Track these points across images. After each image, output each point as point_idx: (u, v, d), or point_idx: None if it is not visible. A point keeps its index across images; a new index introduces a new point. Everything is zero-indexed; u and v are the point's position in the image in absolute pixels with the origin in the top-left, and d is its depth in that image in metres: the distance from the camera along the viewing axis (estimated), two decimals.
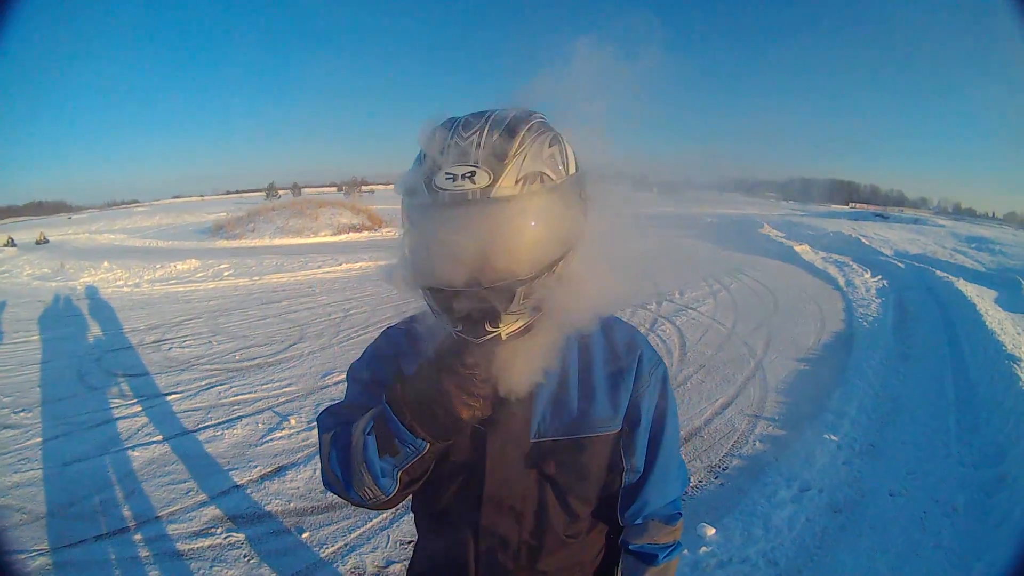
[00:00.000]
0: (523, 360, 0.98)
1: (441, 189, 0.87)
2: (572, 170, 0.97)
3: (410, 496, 1.14)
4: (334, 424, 1.11)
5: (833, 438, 4.51)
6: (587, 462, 1.12)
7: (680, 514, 1.24)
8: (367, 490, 1.01)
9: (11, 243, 20.50)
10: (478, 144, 0.89)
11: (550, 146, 0.94)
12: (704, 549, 3.22)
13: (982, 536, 3.39)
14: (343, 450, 1.02)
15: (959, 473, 4.13)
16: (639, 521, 1.19)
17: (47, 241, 22.05)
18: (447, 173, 0.87)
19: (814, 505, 3.66)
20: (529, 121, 0.94)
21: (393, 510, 3.49)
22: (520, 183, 0.88)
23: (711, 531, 3.33)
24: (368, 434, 0.98)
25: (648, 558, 1.18)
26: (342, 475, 1.03)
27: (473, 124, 0.91)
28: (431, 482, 1.07)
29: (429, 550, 1.24)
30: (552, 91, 1.03)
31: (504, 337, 0.95)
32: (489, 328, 0.94)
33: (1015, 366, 5.69)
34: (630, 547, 1.20)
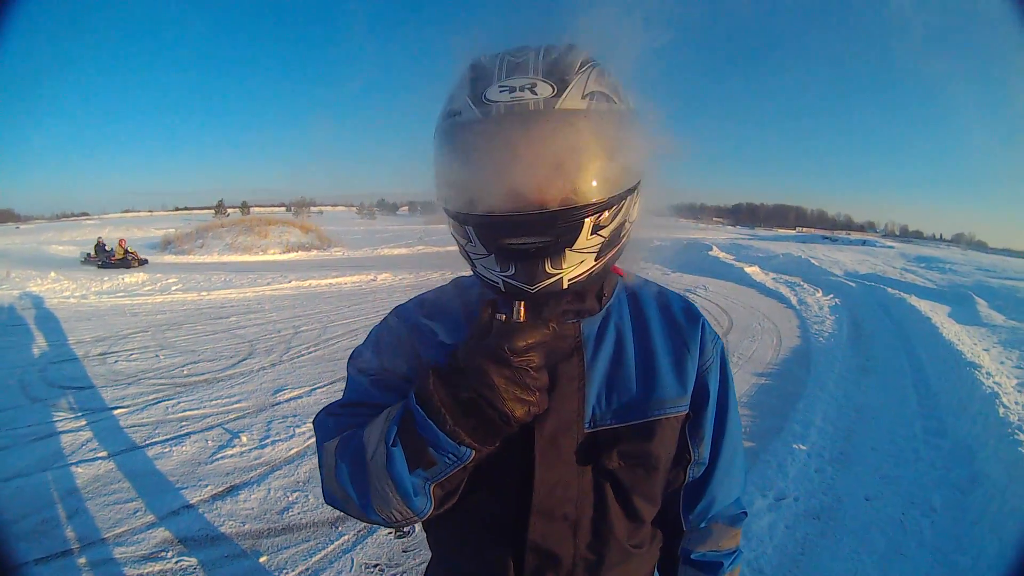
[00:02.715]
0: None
1: (495, 102, 0.74)
2: (633, 106, 0.83)
3: None
4: (338, 429, 0.91)
5: (802, 448, 4.49)
6: (655, 451, 0.92)
7: (746, 513, 1.08)
8: (394, 511, 0.81)
9: None
10: (536, 59, 0.76)
11: (611, 76, 0.81)
12: None
13: (963, 533, 3.45)
14: (356, 464, 0.82)
15: (932, 475, 4.19)
16: (703, 524, 1.04)
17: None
18: (502, 86, 0.74)
19: (792, 512, 3.61)
20: (587, 51, 0.80)
21: (355, 532, 3.33)
22: (588, 99, 0.75)
23: None
24: (392, 445, 0.78)
25: (713, 568, 1.02)
26: (357, 494, 0.82)
27: (526, 47, 0.79)
28: (472, 478, 0.86)
29: (450, 575, 1.03)
30: None
31: (566, 284, 0.80)
32: (550, 269, 0.78)
33: (976, 372, 5.86)
34: (692, 556, 1.04)
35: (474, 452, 0.76)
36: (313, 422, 0.99)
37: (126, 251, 19.01)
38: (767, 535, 3.35)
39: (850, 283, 15.54)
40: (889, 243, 48.63)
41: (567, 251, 0.77)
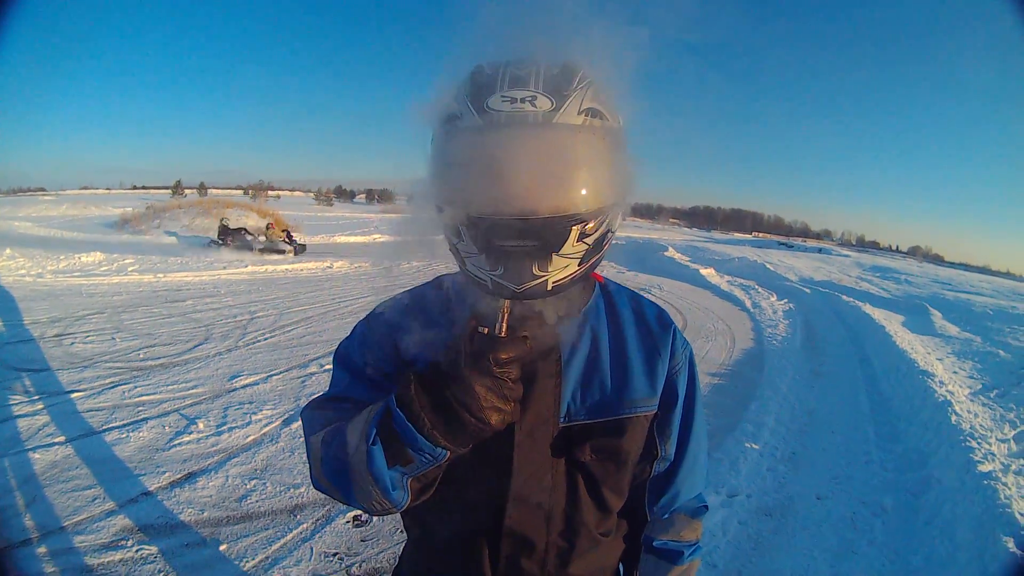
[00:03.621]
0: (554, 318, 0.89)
1: (497, 110, 0.78)
2: (622, 123, 0.89)
3: None
4: (323, 422, 0.95)
5: (755, 447, 4.62)
6: (625, 447, 0.99)
7: (706, 507, 1.16)
8: (374, 503, 0.86)
9: None
10: (537, 73, 0.80)
11: (604, 92, 0.85)
12: None
13: (914, 533, 3.58)
14: (338, 459, 0.87)
15: (883, 477, 4.35)
16: (666, 515, 1.11)
17: None
18: (503, 96, 0.78)
19: (744, 509, 3.72)
20: (583, 68, 0.85)
21: (313, 520, 3.36)
22: (583, 115, 0.80)
23: None
24: (372, 443, 0.82)
25: (673, 556, 1.09)
26: (339, 486, 0.89)
27: (527, 60, 0.83)
28: (450, 472, 0.92)
29: (427, 559, 1.08)
30: None
31: (550, 286, 0.84)
32: (536, 272, 0.83)
33: (929, 380, 6.10)
34: (654, 544, 1.11)
35: (449, 452, 0.81)
36: (300, 414, 1.03)
37: (288, 234, 17.37)
38: (720, 530, 3.45)
39: (805, 289, 15.91)
40: (845, 251, 49.71)
41: (554, 255, 0.82)
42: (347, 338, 1.06)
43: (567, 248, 0.82)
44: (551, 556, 1.00)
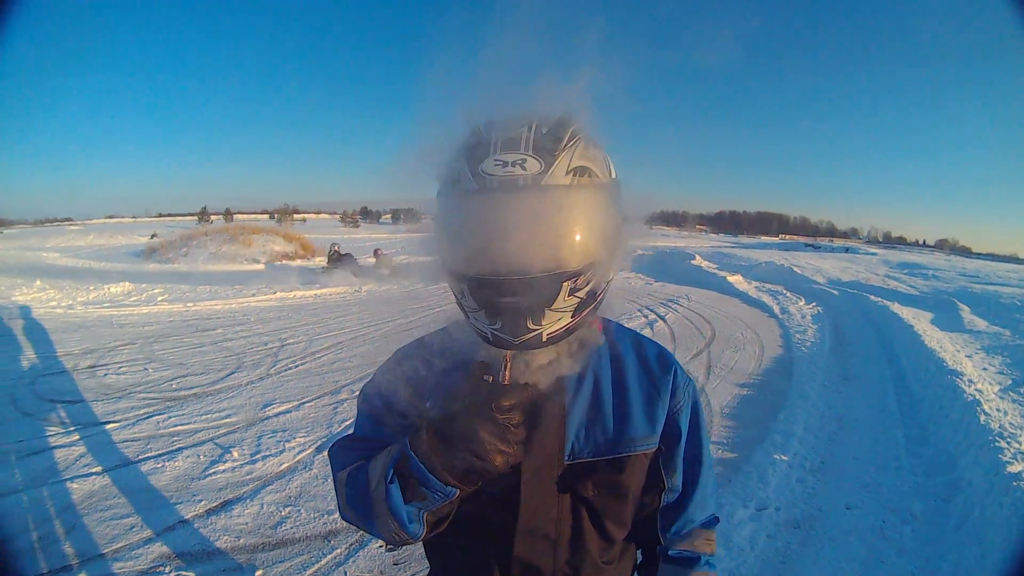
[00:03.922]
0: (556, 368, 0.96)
1: (490, 175, 0.85)
2: (614, 175, 0.96)
3: None
4: (347, 460, 1.05)
5: (784, 458, 4.58)
6: (625, 482, 1.07)
7: (718, 519, 1.21)
8: (393, 535, 0.95)
9: None
10: (528, 134, 0.87)
11: (596, 147, 0.93)
12: None
13: (943, 539, 3.54)
14: (361, 495, 0.96)
15: (912, 482, 4.29)
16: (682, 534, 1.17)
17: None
18: (496, 160, 0.85)
19: (773, 522, 3.70)
20: (575, 122, 0.92)
21: (347, 545, 3.41)
22: (571, 174, 0.87)
23: None
24: (391, 482, 0.91)
25: (689, 562, 1.14)
26: (362, 520, 0.98)
27: (520, 118, 0.90)
28: (461, 509, 1.00)
29: None
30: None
31: (545, 337, 0.92)
32: (531, 325, 0.90)
33: (958, 380, 5.99)
34: (670, 553, 1.15)
35: (459, 491, 0.91)
36: (328, 452, 1.12)
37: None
38: (748, 544, 3.44)
39: (832, 291, 15.66)
40: (872, 249, 49.05)
41: (546, 310, 0.89)
42: (369, 382, 1.14)
43: (559, 303, 0.89)
44: None
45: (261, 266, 20.54)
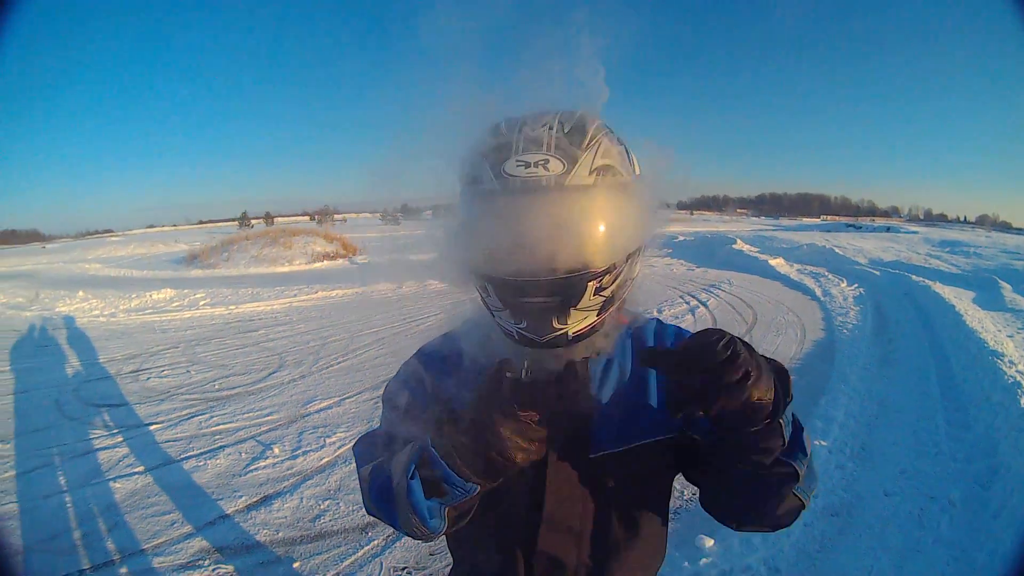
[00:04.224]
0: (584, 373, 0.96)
1: (512, 176, 0.85)
2: (638, 172, 0.96)
3: None
4: (370, 456, 1.06)
5: (823, 443, 4.50)
6: (648, 470, 1.07)
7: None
8: (415, 529, 0.95)
9: None
10: (550, 134, 0.87)
11: (619, 144, 0.93)
12: (704, 560, 3.18)
13: (981, 527, 3.44)
14: (384, 489, 0.97)
15: (952, 468, 4.18)
16: None
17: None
18: (519, 160, 0.86)
19: (810, 510, 3.60)
20: (596, 119, 0.93)
21: (384, 537, 3.45)
22: (594, 174, 0.87)
23: (709, 542, 3.29)
24: (412, 478, 0.91)
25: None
26: (385, 514, 0.99)
27: (542, 117, 0.90)
28: (483, 504, 1.00)
29: None
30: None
31: (571, 336, 0.93)
32: (556, 325, 0.91)
33: (998, 361, 5.84)
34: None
35: (480, 487, 0.90)
36: (353, 448, 1.14)
37: None
38: (785, 533, 3.38)
39: (874, 271, 15.33)
40: (913, 228, 47.87)
41: (572, 310, 0.90)
42: (393, 378, 1.15)
43: (584, 302, 0.90)
44: (582, 573, 1.06)
45: (304, 266, 20.81)
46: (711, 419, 0.82)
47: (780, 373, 0.85)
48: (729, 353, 0.76)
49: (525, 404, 0.87)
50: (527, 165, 0.85)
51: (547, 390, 0.89)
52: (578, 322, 0.92)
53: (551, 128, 0.88)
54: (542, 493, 1.03)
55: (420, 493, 0.90)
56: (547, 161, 0.85)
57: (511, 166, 0.86)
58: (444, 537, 1.08)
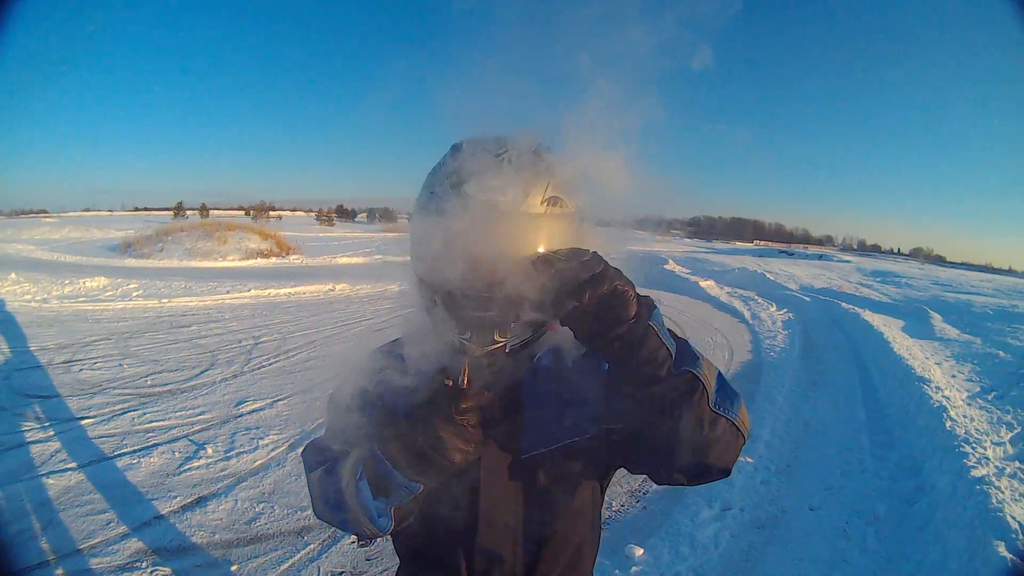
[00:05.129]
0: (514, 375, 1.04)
1: (471, 197, 0.92)
2: (579, 200, 1.04)
3: None
4: (319, 461, 1.12)
5: (749, 460, 4.67)
6: (578, 468, 1.13)
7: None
8: (364, 529, 1.02)
9: None
10: (508, 160, 0.95)
11: (566, 177, 1.01)
12: (634, 569, 3.29)
13: (906, 540, 3.65)
14: (333, 493, 1.03)
15: (877, 485, 4.41)
16: None
17: None
18: (477, 183, 0.93)
19: (737, 522, 3.81)
20: (550, 152, 1.02)
21: (320, 541, 3.47)
22: (546, 204, 0.96)
23: (639, 551, 3.40)
24: (360, 479, 0.99)
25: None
26: (335, 516, 1.05)
27: (502, 141, 0.98)
28: (426, 504, 1.07)
29: None
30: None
31: (508, 349, 1.01)
32: (497, 337, 0.99)
33: (925, 387, 6.15)
34: None
35: (423, 486, 0.98)
36: (301, 454, 1.20)
37: None
38: (712, 543, 3.55)
39: (804, 297, 15.83)
40: (847, 257, 49.55)
41: (513, 324, 0.99)
42: (337, 386, 1.21)
43: (524, 318, 0.98)
44: (519, 567, 1.13)
45: (238, 262, 20.40)
46: (588, 319, 0.91)
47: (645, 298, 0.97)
48: (589, 258, 0.90)
49: (462, 409, 0.96)
50: (485, 189, 0.92)
51: (482, 396, 0.98)
52: (517, 336, 1.01)
53: (510, 154, 0.96)
54: (478, 494, 1.10)
55: (368, 493, 0.98)
56: (504, 187, 0.93)
57: (471, 187, 0.93)
58: (390, 537, 1.14)
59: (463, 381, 0.97)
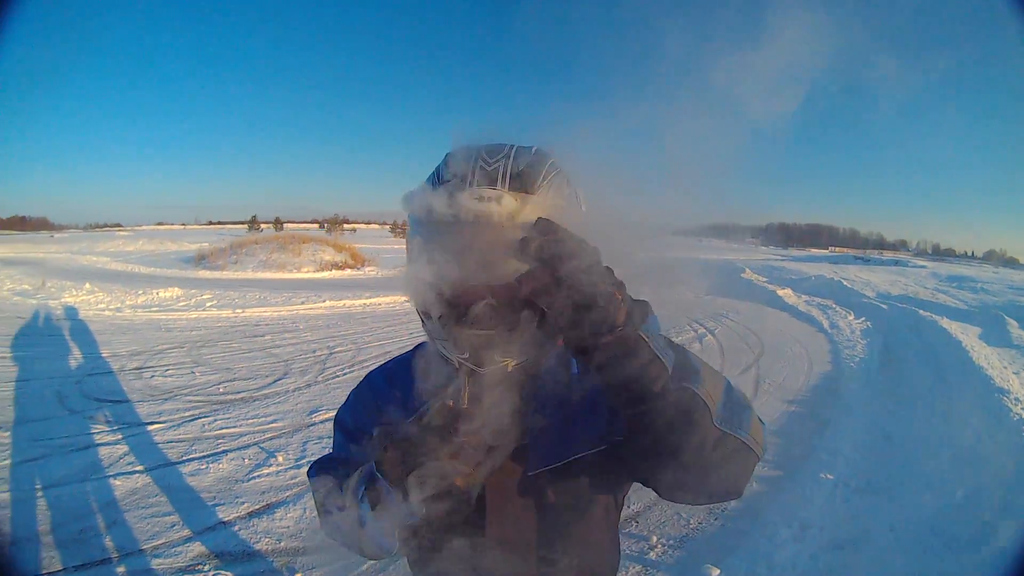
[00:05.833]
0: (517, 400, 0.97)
1: (467, 208, 0.86)
2: (584, 210, 0.97)
3: None
4: (324, 481, 1.09)
5: (829, 476, 4.48)
6: (587, 483, 1.09)
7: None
8: (366, 550, 1.01)
9: None
10: (505, 170, 0.89)
11: (568, 185, 0.94)
12: None
13: (986, 563, 3.40)
14: (337, 514, 1.00)
15: (957, 504, 4.12)
16: None
17: None
18: (474, 193, 0.86)
19: (816, 543, 3.62)
20: (550, 158, 0.94)
21: None
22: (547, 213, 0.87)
23: (715, 572, 3.26)
24: (362, 501, 0.95)
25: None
26: (340, 536, 1.04)
27: (497, 151, 0.92)
28: (430, 526, 1.01)
29: None
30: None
31: (511, 368, 0.95)
32: (498, 358, 0.93)
33: (1004, 398, 5.81)
34: None
35: (424, 508, 0.92)
36: (307, 473, 1.16)
37: None
38: (790, 564, 3.37)
39: (882, 305, 15.27)
40: (921, 262, 47.89)
41: (511, 342, 0.93)
42: (342, 405, 1.21)
43: (525, 335, 0.92)
44: None
45: (312, 274, 20.85)
46: (565, 321, 0.79)
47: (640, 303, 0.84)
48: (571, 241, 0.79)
49: (463, 430, 0.91)
50: (481, 199, 0.85)
51: (483, 416, 0.92)
52: (518, 356, 0.95)
53: (507, 163, 0.90)
54: (483, 512, 1.06)
55: (370, 515, 0.94)
56: (501, 197, 0.85)
57: (465, 198, 0.86)
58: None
59: (464, 401, 0.93)
